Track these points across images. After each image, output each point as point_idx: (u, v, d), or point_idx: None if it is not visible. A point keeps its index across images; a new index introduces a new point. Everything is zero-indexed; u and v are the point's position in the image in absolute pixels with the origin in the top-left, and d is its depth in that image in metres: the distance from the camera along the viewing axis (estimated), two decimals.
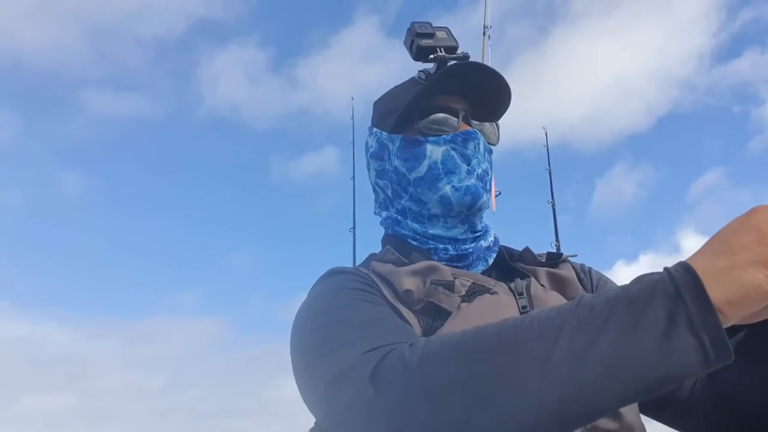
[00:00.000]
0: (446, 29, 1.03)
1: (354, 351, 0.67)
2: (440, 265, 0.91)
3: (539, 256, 1.03)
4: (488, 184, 1.01)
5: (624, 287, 0.57)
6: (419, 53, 1.00)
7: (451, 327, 0.82)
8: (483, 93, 0.99)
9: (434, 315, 0.86)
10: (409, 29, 1.02)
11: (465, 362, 0.58)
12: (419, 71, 1.03)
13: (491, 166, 1.03)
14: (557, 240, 5.06)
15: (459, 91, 0.99)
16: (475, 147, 0.98)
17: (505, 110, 1.04)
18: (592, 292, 0.98)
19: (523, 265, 1.00)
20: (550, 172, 5.33)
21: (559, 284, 0.96)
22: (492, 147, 1.03)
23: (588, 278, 1.03)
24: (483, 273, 0.98)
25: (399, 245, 1.00)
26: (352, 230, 4.62)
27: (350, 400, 0.63)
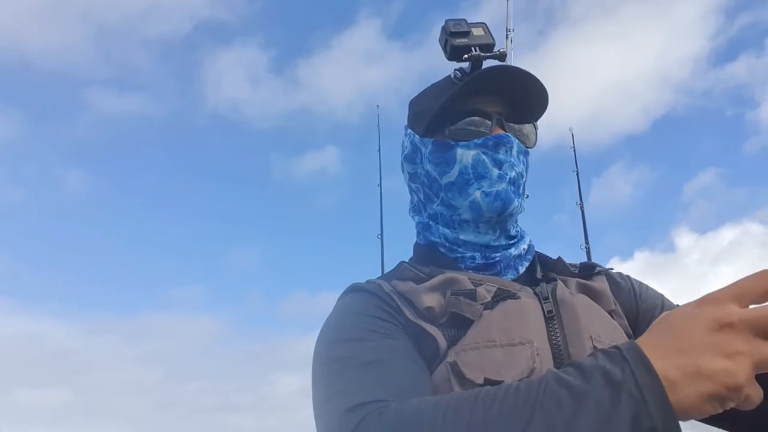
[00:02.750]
0: (483, 25, 1.00)
1: (343, 404, 0.71)
2: (459, 275, 0.90)
3: (572, 266, 1.00)
4: (521, 188, 0.99)
5: (587, 377, 0.57)
6: (453, 53, 0.98)
7: (474, 335, 0.82)
8: (518, 95, 0.96)
9: (459, 325, 0.85)
10: (443, 27, 1.00)
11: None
12: (455, 70, 1.01)
13: (527, 169, 1.00)
14: (587, 242, 4.99)
15: (493, 93, 0.96)
16: (507, 151, 0.95)
17: (543, 112, 1.00)
18: (635, 300, 0.99)
19: (554, 274, 0.98)
20: (577, 174, 5.28)
21: (590, 295, 0.93)
22: (529, 149, 1.00)
23: (629, 285, 1.02)
24: (514, 281, 0.95)
25: (426, 253, 1.00)
26: (379, 237, 4.63)
27: None
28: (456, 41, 0.97)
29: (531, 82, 0.95)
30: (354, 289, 0.94)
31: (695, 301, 0.57)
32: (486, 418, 0.59)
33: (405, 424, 0.63)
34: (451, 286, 0.88)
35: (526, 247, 1.01)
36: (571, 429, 0.54)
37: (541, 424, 0.55)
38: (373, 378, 0.75)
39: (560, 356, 0.82)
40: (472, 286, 0.88)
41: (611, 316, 0.93)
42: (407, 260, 1.02)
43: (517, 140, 0.97)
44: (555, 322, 0.85)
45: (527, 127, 1.01)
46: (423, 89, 1.08)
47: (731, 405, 0.54)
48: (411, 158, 1.04)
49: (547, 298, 0.88)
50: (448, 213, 0.99)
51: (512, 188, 0.95)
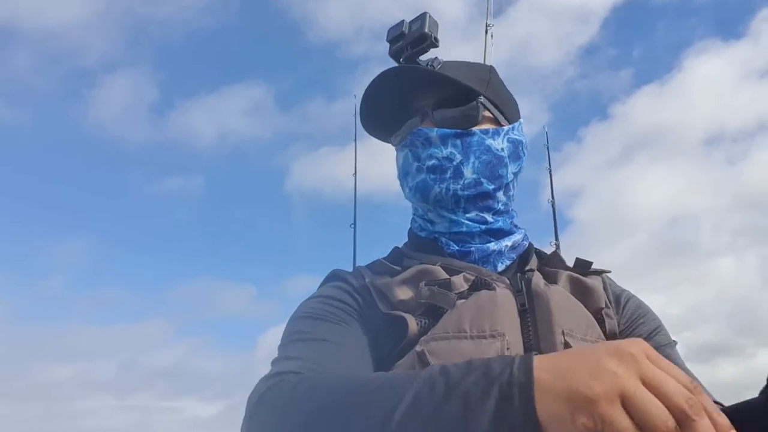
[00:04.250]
0: (423, 17, 0.97)
1: (274, 368, 0.76)
2: (431, 267, 0.90)
3: (568, 261, 1.00)
4: (449, 174, 0.93)
5: (469, 368, 0.57)
6: (395, 58, 1.00)
7: (444, 325, 0.81)
8: (431, 84, 0.95)
9: (433, 315, 0.84)
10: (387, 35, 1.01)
11: (314, 416, 0.62)
12: None
13: (464, 147, 0.94)
14: (556, 239, 5.03)
15: (413, 88, 0.96)
16: (423, 143, 0.94)
17: (470, 92, 0.95)
18: (617, 314, 0.95)
19: (548, 268, 0.96)
20: (550, 172, 5.30)
21: (579, 291, 0.92)
22: (467, 129, 0.94)
23: (624, 307, 0.97)
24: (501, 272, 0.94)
25: (418, 239, 1.01)
26: (352, 226, 4.62)
27: (245, 414, 0.72)
28: (393, 48, 0.99)
29: (425, 74, 0.94)
30: (332, 277, 0.96)
31: (617, 345, 0.54)
32: (365, 393, 0.60)
33: (304, 394, 0.65)
34: (424, 277, 0.88)
35: (509, 244, 0.96)
36: (437, 413, 0.54)
37: (409, 405, 0.56)
38: (313, 353, 0.78)
39: (531, 350, 0.80)
40: (447, 276, 0.87)
41: (601, 314, 0.91)
42: (401, 245, 1.03)
43: (436, 129, 0.94)
44: (528, 315, 0.84)
45: (465, 109, 0.95)
46: None
47: (589, 424, 0.50)
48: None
49: (520, 291, 0.86)
50: (416, 211, 1.04)
51: (431, 176, 0.94)
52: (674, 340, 0.97)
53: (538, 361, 0.54)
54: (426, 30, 0.96)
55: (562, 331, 0.82)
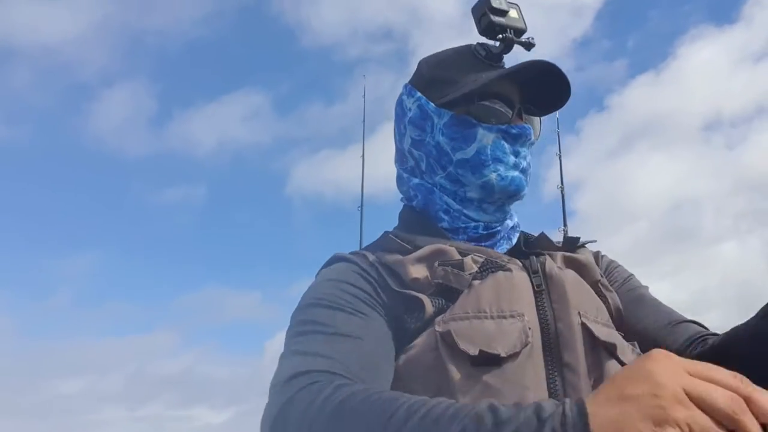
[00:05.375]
0: (518, 7, 0.99)
1: (296, 365, 0.72)
2: (445, 246, 0.90)
3: (556, 242, 1.01)
4: (528, 177, 0.99)
5: (519, 408, 0.56)
6: (488, 30, 0.97)
7: (463, 305, 0.82)
8: (544, 91, 0.97)
9: (447, 295, 0.85)
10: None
11: None
12: (478, 44, 1.00)
13: (531, 159, 1.01)
14: (565, 225, 5.05)
15: (521, 83, 0.97)
16: (524, 143, 0.97)
17: (557, 110, 1.02)
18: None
19: (539, 250, 0.97)
20: (560, 158, 5.29)
21: (576, 269, 0.94)
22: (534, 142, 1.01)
23: (599, 265, 1.02)
24: (504, 253, 0.96)
25: (417, 220, 1.00)
26: (359, 209, 4.66)
27: (268, 412, 0.70)
28: (495, 18, 0.95)
29: (564, 84, 0.96)
30: (337, 259, 0.93)
31: (646, 356, 0.56)
32: (409, 423, 0.58)
33: (344, 411, 0.63)
34: (439, 257, 0.88)
35: (516, 219, 1.03)
36: None
37: None
38: (334, 350, 0.75)
39: (548, 330, 0.82)
40: (460, 257, 0.88)
41: (599, 287, 0.95)
42: (392, 229, 1.01)
43: (532, 131, 0.98)
44: (543, 296, 0.85)
45: (535, 120, 1.02)
46: (437, 52, 1.05)
47: None
48: (419, 124, 1.00)
49: (536, 272, 0.87)
50: (452, 188, 0.98)
51: (523, 177, 0.97)
52: (646, 285, 1.05)
53: (590, 397, 0.54)
54: (525, 27, 0.97)
55: (578, 312, 0.84)
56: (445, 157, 0.98)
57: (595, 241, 1.05)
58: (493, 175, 0.95)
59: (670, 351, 0.85)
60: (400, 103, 1.06)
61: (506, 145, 0.96)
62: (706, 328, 0.95)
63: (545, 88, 0.97)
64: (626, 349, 0.86)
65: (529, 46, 0.97)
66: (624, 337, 0.90)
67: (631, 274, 1.06)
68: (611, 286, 0.99)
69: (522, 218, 1.06)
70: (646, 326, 0.96)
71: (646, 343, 0.92)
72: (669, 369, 0.52)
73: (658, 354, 0.55)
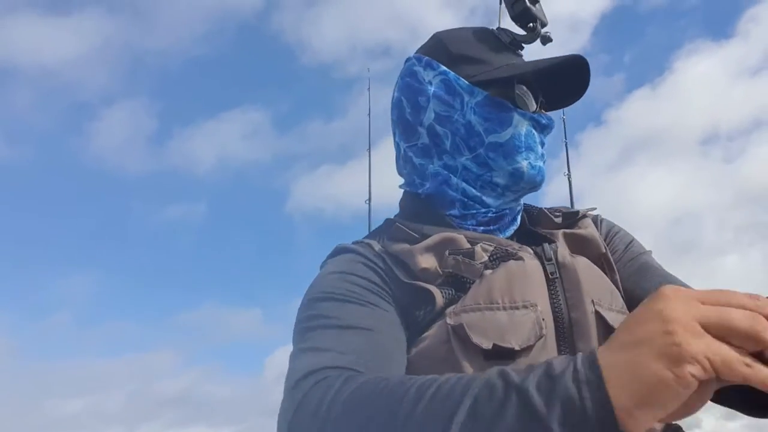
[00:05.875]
0: (539, 1, 0.98)
1: (310, 362, 0.71)
2: (454, 234, 0.87)
3: (555, 215, 0.99)
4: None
5: (529, 369, 0.54)
6: (521, 16, 0.95)
7: (475, 296, 0.80)
8: (565, 87, 0.97)
9: (457, 286, 0.83)
10: None
11: (368, 425, 0.60)
12: (500, 29, 0.98)
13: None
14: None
15: (548, 76, 0.95)
16: (548, 133, 0.97)
17: (565, 107, 1.02)
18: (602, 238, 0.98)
19: (542, 229, 0.97)
20: (566, 145, 5.33)
21: (579, 245, 0.92)
22: None
23: (599, 231, 1.00)
24: (510, 237, 0.95)
25: (421, 207, 0.97)
26: (367, 202, 4.65)
27: (283, 414, 0.70)
28: (531, 5, 0.94)
29: (581, 84, 0.97)
30: (341, 250, 0.91)
31: (654, 295, 0.53)
32: (421, 400, 0.58)
33: (355, 402, 0.62)
34: (448, 246, 0.85)
35: (522, 202, 1.01)
36: (498, 418, 0.52)
37: (468, 412, 0.54)
38: (346, 344, 0.74)
39: (561, 320, 0.80)
40: (470, 245, 0.86)
41: (603, 261, 0.93)
42: (394, 216, 0.99)
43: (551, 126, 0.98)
44: (556, 285, 0.83)
45: (553, 113, 1.01)
46: (454, 28, 1.02)
47: (679, 393, 0.48)
48: (445, 100, 0.95)
49: (549, 260, 0.85)
50: (478, 171, 0.94)
51: (543, 164, 0.96)
52: (649, 249, 1.02)
53: (600, 349, 0.52)
54: (547, 21, 0.97)
55: (592, 301, 0.82)
56: (476, 138, 0.93)
57: (595, 208, 1.03)
58: (525, 163, 0.93)
59: None
60: (412, 74, 0.99)
61: (537, 135, 0.95)
62: None
63: (560, 85, 0.97)
64: None
65: (547, 40, 0.97)
66: None
67: (633, 239, 1.03)
68: (613, 253, 0.98)
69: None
70: None
71: None
72: (679, 302, 0.50)
73: (666, 289, 0.52)
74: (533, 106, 0.95)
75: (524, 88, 0.94)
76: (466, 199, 0.94)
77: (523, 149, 0.93)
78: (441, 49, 0.98)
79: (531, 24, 0.95)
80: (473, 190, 0.94)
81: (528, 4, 0.94)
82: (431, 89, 0.96)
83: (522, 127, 0.93)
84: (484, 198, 0.94)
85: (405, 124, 0.99)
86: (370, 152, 4.86)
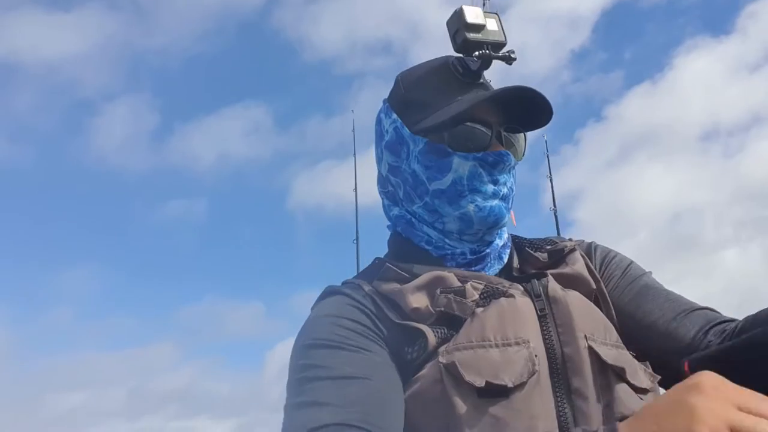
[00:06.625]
0: (497, 17, 0.93)
1: (310, 420, 0.72)
2: (445, 273, 0.87)
3: (542, 251, 0.98)
4: (511, 203, 0.95)
5: None
6: (464, 47, 0.92)
7: (467, 334, 0.79)
8: (523, 109, 0.93)
9: (449, 324, 0.82)
10: (457, 13, 0.91)
11: None
12: (456, 60, 0.94)
13: (515, 182, 0.96)
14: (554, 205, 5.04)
15: (502, 103, 0.92)
16: (503, 169, 0.92)
17: (540, 127, 0.98)
18: (599, 275, 0.96)
19: (530, 269, 0.95)
20: (551, 180, 5.32)
21: (568, 284, 0.89)
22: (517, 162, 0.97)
23: (593, 261, 0.99)
24: (497, 275, 0.93)
25: (408, 249, 0.96)
26: (354, 241, 4.69)
27: None
28: (470, 35, 0.90)
29: (542, 102, 0.92)
30: (331, 293, 0.90)
31: (691, 384, 0.52)
32: None
33: None
34: (439, 284, 0.85)
35: (506, 236, 0.99)
36: None
37: None
38: (343, 396, 0.74)
39: (554, 356, 0.80)
40: (460, 284, 0.85)
41: (596, 295, 0.92)
42: (383, 256, 0.98)
43: (512, 157, 0.94)
44: (548, 321, 0.83)
45: (520, 137, 0.98)
46: (415, 66, 1.00)
47: None
48: (395, 150, 0.97)
49: (539, 296, 0.85)
50: (430, 218, 0.94)
51: (504, 204, 0.93)
52: (649, 271, 1.00)
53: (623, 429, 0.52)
54: (504, 40, 0.93)
55: (585, 336, 0.82)
56: (421, 187, 0.94)
57: (582, 241, 1.02)
58: (471, 207, 0.91)
59: (683, 345, 0.86)
60: (378, 121, 1.02)
61: (484, 174, 0.91)
62: (719, 314, 0.91)
63: (527, 106, 0.93)
64: (637, 370, 0.84)
65: (509, 59, 0.93)
66: (634, 344, 0.88)
67: (631, 262, 1.01)
68: (610, 280, 0.97)
69: (523, 230, 1.04)
70: (655, 320, 0.92)
71: (656, 338, 0.90)
72: (713, 402, 0.48)
73: (705, 382, 0.50)
74: (483, 141, 0.91)
75: (472, 124, 0.91)
76: (433, 240, 0.95)
77: (467, 192, 0.91)
78: (397, 93, 1.00)
79: (478, 52, 0.91)
80: (436, 233, 0.95)
81: (468, 34, 0.90)
82: (386, 139, 0.99)
83: (463, 169, 0.91)
84: (447, 241, 0.94)
85: (378, 172, 1.03)
86: (356, 193, 4.85)
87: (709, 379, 0.50)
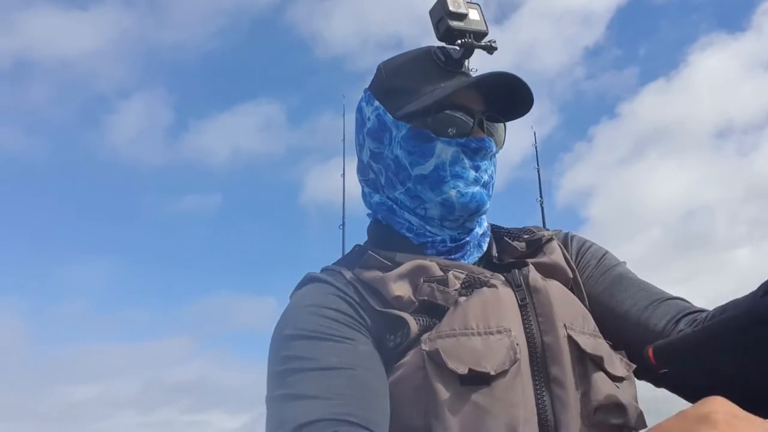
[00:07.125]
0: (478, 7, 0.94)
1: (297, 415, 0.72)
2: (427, 262, 0.87)
3: (520, 240, 0.98)
4: (491, 190, 0.96)
5: None
6: (447, 35, 0.92)
7: (450, 322, 0.80)
8: (505, 98, 0.94)
9: (431, 313, 0.83)
10: (440, 2, 0.92)
11: None
12: (438, 48, 0.95)
13: (495, 170, 0.97)
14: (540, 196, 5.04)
15: (484, 91, 0.93)
16: (484, 155, 0.93)
17: (520, 117, 0.98)
18: (575, 264, 0.97)
19: (508, 258, 0.96)
20: (538, 171, 5.31)
21: (545, 273, 0.90)
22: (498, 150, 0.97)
23: (569, 250, 1.00)
24: (476, 263, 0.94)
25: (388, 236, 0.97)
26: (341, 227, 4.68)
27: None
28: (453, 23, 0.91)
29: (524, 91, 0.93)
30: (310, 280, 0.90)
31: (703, 413, 0.47)
32: None
33: None
34: (422, 273, 0.86)
35: (486, 225, 1.00)
36: None
37: None
38: (330, 388, 0.74)
39: (534, 345, 0.81)
40: (442, 273, 0.86)
41: (572, 285, 0.93)
42: (363, 243, 0.99)
43: (496, 147, 0.95)
44: (528, 310, 0.84)
45: (500, 127, 0.98)
46: (397, 55, 1.01)
47: None
48: (377, 136, 0.97)
49: (519, 286, 0.86)
50: (411, 204, 0.95)
51: (485, 191, 0.94)
52: (623, 261, 1.00)
53: None
54: (486, 30, 0.93)
55: (564, 325, 0.83)
56: (403, 172, 0.94)
57: (559, 231, 1.03)
58: (453, 192, 0.91)
59: (654, 334, 0.87)
60: (359, 110, 1.02)
61: (466, 160, 0.92)
62: (690, 304, 0.92)
63: (509, 95, 0.94)
64: (614, 359, 0.85)
65: (490, 49, 0.94)
66: (609, 328, 0.90)
67: (606, 252, 1.01)
68: (585, 269, 0.98)
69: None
70: (627, 309, 0.92)
71: (628, 327, 0.91)
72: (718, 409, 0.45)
73: (718, 413, 0.45)
74: (465, 128, 0.92)
75: (454, 111, 0.92)
76: (414, 227, 0.95)
77: (449, 178, 0.92)
78: (379, 81, 1.00)
79: (461, 41, 0.92)
80: (417, 220, 0.95)
81: (450, 22, 0.91)
82: (368, 126, 0.98)
83: (446, 155, 0.92)
84: (428, 228, 0.94)
85: (358, 159, 1.03)
86: (344, 178, 4.87)
87: (722, 408, 0.46)
